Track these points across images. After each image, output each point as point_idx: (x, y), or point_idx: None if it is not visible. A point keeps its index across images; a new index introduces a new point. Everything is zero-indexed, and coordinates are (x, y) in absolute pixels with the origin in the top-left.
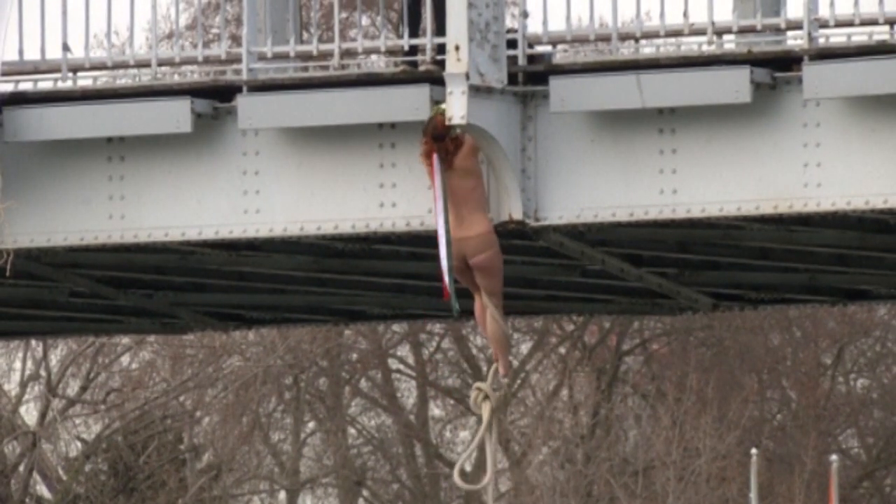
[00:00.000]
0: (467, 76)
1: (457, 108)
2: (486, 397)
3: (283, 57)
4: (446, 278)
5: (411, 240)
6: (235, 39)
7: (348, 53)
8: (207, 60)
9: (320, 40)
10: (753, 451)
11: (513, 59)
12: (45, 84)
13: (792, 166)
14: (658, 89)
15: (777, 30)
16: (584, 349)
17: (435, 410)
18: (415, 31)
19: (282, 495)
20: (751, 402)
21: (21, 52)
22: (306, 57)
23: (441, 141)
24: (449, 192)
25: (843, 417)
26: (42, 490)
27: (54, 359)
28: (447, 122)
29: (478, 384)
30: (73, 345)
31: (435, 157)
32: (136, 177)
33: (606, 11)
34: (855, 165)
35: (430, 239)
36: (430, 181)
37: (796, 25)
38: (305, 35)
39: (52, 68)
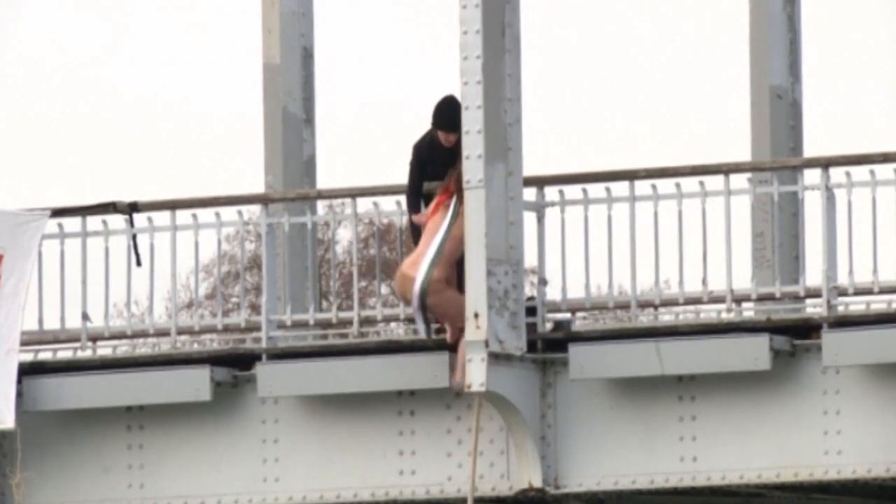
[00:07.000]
0: (487, 343)
1: (476, 375)
2: None
3: (302, 325)
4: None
5: None
6: (255, 308)
7: (367, 321)
8: (227, 329)
9: (339, 308)
10: None
11: (532, 326)
12: (65, 353)
13: (812, 433)
14: (677, 357)
15: (796, 297)
16: None
17: None
18: None
19: None
20: None
21: (41, 322)
22: (325, 325)
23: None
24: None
25: None
26: None
27: None
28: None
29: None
30: None
31: (455, 197)
32: (156, 445)
33: (625, 279)
34: (875, 433)
35: None
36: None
37: (815, 293)
38: (324, 303)
39: (72, 337)
